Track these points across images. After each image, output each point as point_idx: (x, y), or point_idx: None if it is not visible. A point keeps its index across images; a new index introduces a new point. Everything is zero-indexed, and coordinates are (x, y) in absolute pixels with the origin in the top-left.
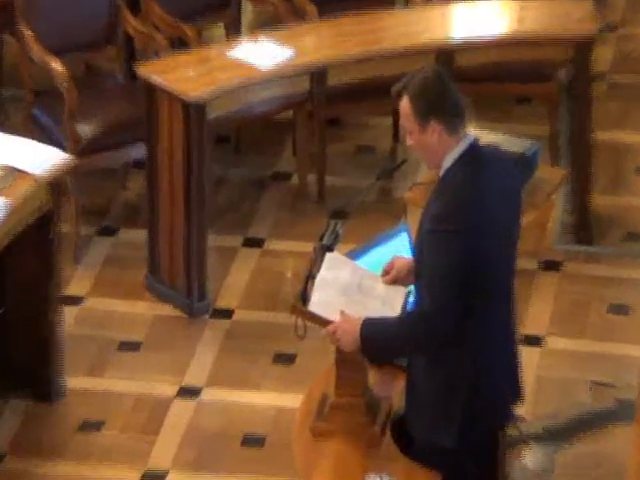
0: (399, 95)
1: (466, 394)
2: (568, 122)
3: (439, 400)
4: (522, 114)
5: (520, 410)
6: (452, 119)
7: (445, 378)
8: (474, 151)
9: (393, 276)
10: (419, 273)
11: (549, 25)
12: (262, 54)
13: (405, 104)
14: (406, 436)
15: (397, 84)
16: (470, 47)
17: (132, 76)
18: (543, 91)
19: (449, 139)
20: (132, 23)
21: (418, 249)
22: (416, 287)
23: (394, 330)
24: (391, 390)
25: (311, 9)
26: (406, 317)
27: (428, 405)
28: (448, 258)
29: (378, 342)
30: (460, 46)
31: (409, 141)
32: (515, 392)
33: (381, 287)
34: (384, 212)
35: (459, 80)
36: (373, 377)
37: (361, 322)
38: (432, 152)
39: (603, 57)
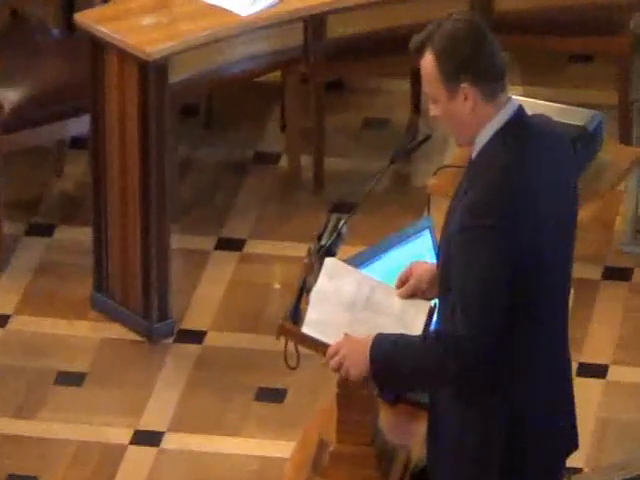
0: (420, 50)
1: (505, 441)
2: None
3: (471, 450)
4: (581, 75)
5: (577, 461)
6: (490, 82)
7: (478, 422)
8: (518, 124)
9: (412, 287)
10: (445, 283)
11: None
12: None
13: (429, 62)
14: None
15: (418, 35)
16: None
17: (71, 27)
18: (610, 45)
19: (486, 107)
20: None
21: (444, 252)
22: (441, 301)
23: (415, 352)
24: (409, 436)
25: None
26: (431, 339)
27: (457, 456)
28: (485, 262)
29: (393, 366)
30: None
31: (433, 111)
32: (569, 438)
33: (396, 302)
34: (401, 204)
35: (499, 30)
36: (385, 419)
37: (372, 340)
38: (463, 125)
39: None
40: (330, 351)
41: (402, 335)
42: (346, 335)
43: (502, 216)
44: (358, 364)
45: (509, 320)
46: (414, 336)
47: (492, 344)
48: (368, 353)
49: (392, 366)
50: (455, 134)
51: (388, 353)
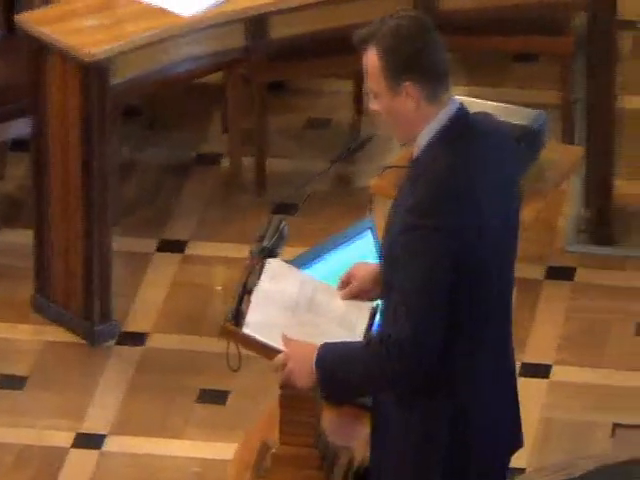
0: (364, 45)
1: (448, 442)
2: (585, 86)
3: (413, 451)
4: (525, 75)
5: (520, 461)
6: (433, 81)
7: (421, 422)
8: (460, 123)
9: (354, 288)
10: (388, 284)
11: None
12: None
13: (372, 58)
14: None
15: (362, 30)
16: None
17: (11, 28)
18: (554, 45)
19: (428, 106)
20: None
21: (387, 253)
22: (384, 303)
23: (359, 360)
24: (352, 437)
25: None
26: (374, 343)
27: (399, 457)
28: (428, 263)
29: (339, 376)
30: None
31: (373, 105)
32: (513, 437)
33: (338, 303)
34: (343, 205)
35: (443, 30)
36: (328, 420)
37: (316, 351)
38: (405, 123)
39: (631, 1)
40: (276, 362)
41: (346, 343)
42: (288, 340)
43: (445, 216)
44: (304, 377)
45: (452, 321)
46: (358, 343)
47: (434, 345)
48: (314, 365)
49: (338, 376)
50: (395, 131)
51: (333, 364)
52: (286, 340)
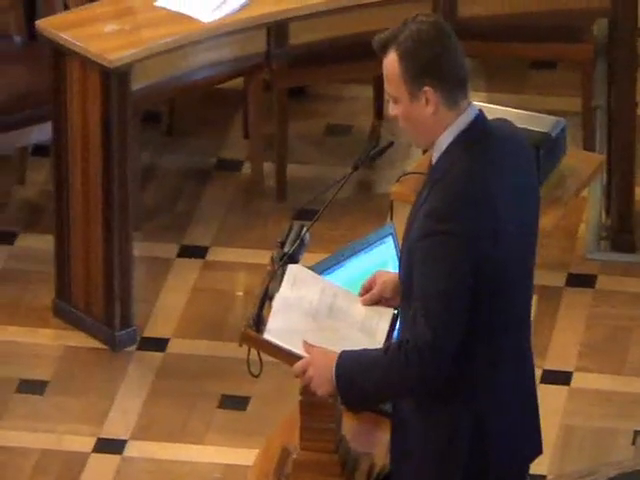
0: (384, 49)
1: (467, 449)
2: (606, 93)
3: (433, 457)
4: (544, 82)
5: (541, 468)
6: (452, 86)
7: (440, 429)
8: (479, 129)
9: (375, 295)
10: (407, 290)
11: None
12: (203, 3)
13: (392, 62)
14: None
15: (382, 34)
16: None
17: (32, 34)
18: (573, 52)
19: (447, 112)
20: None
21: (406, 259)
22: (402, 310)
23: (378, 367)
24: (373, 443)
25: None
26: (393, 350)
27: (419, 463)
28: (446, 269)
29: (358, 383)
30: None
31: (393, 110)
32: (533, 443)
33: (359, 309)
34: (364, 211)
35: (463, 37)
36: (349, 426)
37: (336, 358)
38: (423, 128)
39: None
40: (296, 369)
41: (365, 350)
42: (307, 345)
43: (462, 221)
44: (324, 384)
45: (471, 328)
46: (377, 350)
47: (453, 350)
48: (333, 372)
49: (357, 383)
50: (414, 137)
51: (352, 371)
52: (307, 346)
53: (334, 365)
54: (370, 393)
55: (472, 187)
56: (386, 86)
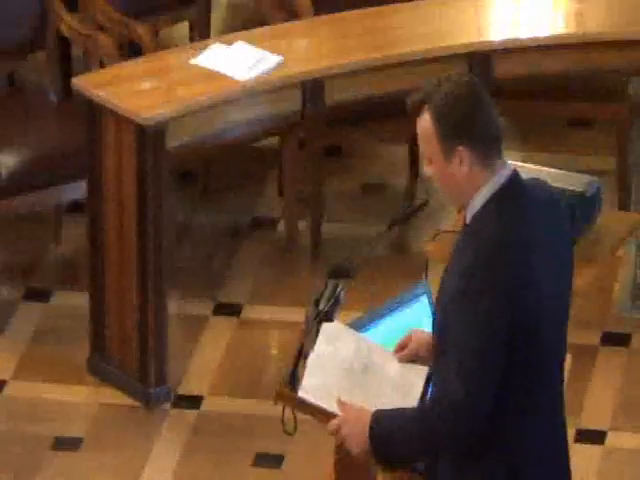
0: (418, 109)
1: None
2: None
3: None
4: (580, 141)
5: None
6: (486, 146)
7: None
8: (513, 188)
9: (411, 351)
10: (440, 349)
11: (617, 22)
12: (238, 62)
13: (426, 122)
14: None
15: (416, 93)
16: (512, 52)
17: (67, 92)
18: (609, 111)
19: (481, 171)
20: (68, 21)
21: (440, 318)
22: (435, 368)
23: (412, 426)
24: None
25: (304, 3)
26: (427, 408)
27: None
28: (481, 325)
29: (392, 442)
30: (499, 51)
31: (427, 170)
32: None
33: (394, 366)
34: (399, 270)
35: (498, 95)
36: None
37: (370, 418)
38: (458, 187)
39: None
40: (331, 428)
41: (399, 409)
42: (341, 403)
43: (494, 279)
44: (358, 443)
45: (505, 384)
46: (411, 409)
47: (487, 408)
48: (367, 432)
49: (391, 442)
50: (449, 196)
51: (386, 430)
52: (341, 405)
53: (368, 424)
54: (404, 452)
55: (506, 246)
56: (420, 146)
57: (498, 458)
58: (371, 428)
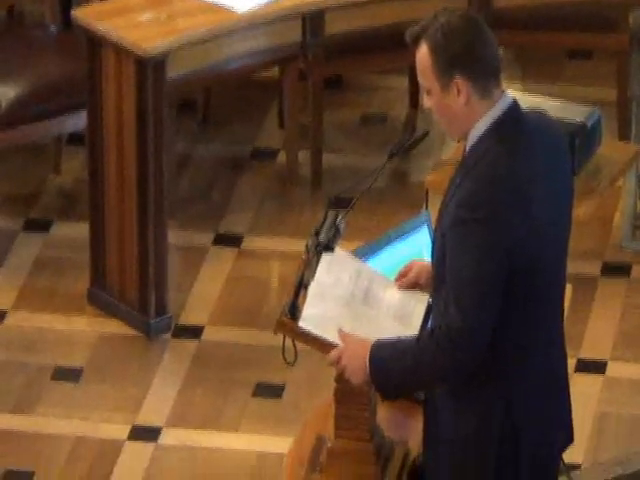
0: (416, 42)
1: (499, 437)
2: None
3: (465, 445)
4: (580, 72)
5: (575, 457)
6: (484, 77)
7: (471, 416)
8: (512, 118)
9: (411, 280)
10: (439, 278)
11: None
12: None
13: (423, 54)
14: None
15: (414, 27)
16: None
17: (67, 24)
18: (609, 41)
19: (479, 102)
20: None
21: (438, 246)
22: (435, 297)
23: (411, 354)
24: (407, 431)
25: None
26: (426, 337)
27: (451, 450)
28: (477, 255)
29: (392, 371)
30: None
31: (427, 102)
32: (565, 432)
33: (395, 295)
34: (399, 200)
35: (498, 26)
36: (384, 414)
37: (370, 348)
38: (456, 118)
39: None
40: (331, 358)
41: (399, 339)
42: (342, 333)
43: (493, 209)
44: (358, 374)
45: (504, 316)
46: (410, 338)
47: (485, 337)
48: (367, 362)
49: (391, 372)
50: (447, 127)
51: (386, 360)
52: (342, 335)
53: (368, 353)
54: (403, 381)
55: (503, 174)
56: (419, 78)
57: (495, 391)
58: (371, 357)
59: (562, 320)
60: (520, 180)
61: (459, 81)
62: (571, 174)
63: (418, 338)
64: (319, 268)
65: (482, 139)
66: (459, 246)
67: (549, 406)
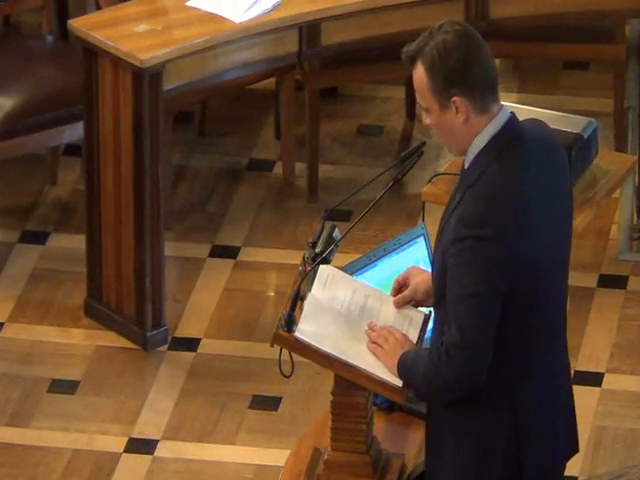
0: (412, 62)
1: (504, 447)
2: (638, 94)
3: (470, 456)
4: (576, 83)
5: (572, 470)
6: (481, 92)
7: (477, 427)
8: (511, 132)
9: (407, 297)
10: (440, 295)
11: None
12: (235, 3)
13: (420, 74)
14: None
15: (408, 46)
16: None
17: (64, 34)
18: (605, 52)
19: (478, 118)
20: None
21: (439, 263)
22: (437, 313)
23: (422, 365)
24: (404, 444)
25: None
26: (433, 351)
27: (456, 463)
28: (478, 272)
29: (411, 375)
30: None
31: (426, 119)
32: (569, 441)
33: (391, 310)
34: (395, 212)
35: (494, 37)
36: (380, 427)
37: (400, 353)
38: (456, 135)
39: None
40: (377, 332)
41: (424, 350)
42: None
43: (494, 225)
44: (388, 363)
45: (508, 329)
46: (428, 349)
47: (483, 354)
48: (397, 361)
49: (408, 375)
50: (447, 143)
51: (406, 369)
52: (387, 328)
53: (398, 357)
54: (419, 387)
55: (504, 191)
56: (417, 97)
57: (502, 409)
58: (399, 363)
59: (565, 333)
60: (520, 194)
61: (457, 99)
62: (570, 185)
63: (430, 352)
64: (315, 283)
65: (482, 154)
66: (458, 263)
67: (555, 414)
